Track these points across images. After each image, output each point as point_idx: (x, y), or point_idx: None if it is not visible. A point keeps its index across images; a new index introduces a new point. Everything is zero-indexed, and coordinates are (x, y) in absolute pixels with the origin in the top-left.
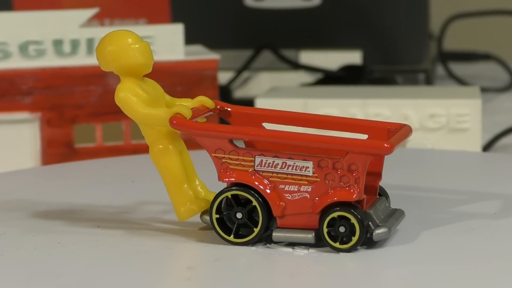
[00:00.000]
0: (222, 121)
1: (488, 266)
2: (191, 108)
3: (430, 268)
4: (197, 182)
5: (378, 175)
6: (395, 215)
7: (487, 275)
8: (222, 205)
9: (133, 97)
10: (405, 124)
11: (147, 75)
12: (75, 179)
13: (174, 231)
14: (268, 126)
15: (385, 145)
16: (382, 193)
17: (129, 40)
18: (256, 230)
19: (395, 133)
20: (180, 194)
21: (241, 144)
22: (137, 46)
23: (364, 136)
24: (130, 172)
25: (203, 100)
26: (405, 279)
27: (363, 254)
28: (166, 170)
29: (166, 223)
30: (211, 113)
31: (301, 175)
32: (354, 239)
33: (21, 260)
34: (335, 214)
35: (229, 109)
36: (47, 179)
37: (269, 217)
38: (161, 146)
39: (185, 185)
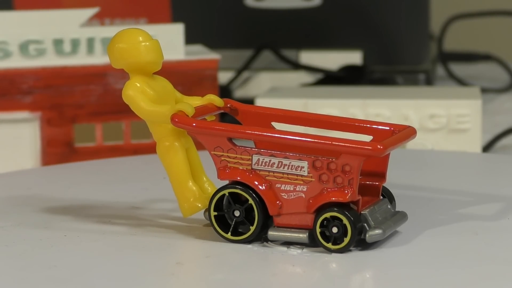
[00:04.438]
0: (232, 119)
1: (480, 269)
2: (199, 106)
3: (419, 272)
4: (204, 179)
5: (382, 176)
6: (395, 217)
7: (476, 279)
8: (224, 203)
9: (139, 94)
10: (408, 126)
11: (158, 73)
12: (103, 176)
13: (178, 227)
14: (277, 125)
15: (378, 146)
16: (387, 195)
17: (139, 38)
18: (252, 228)
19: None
20: (184, 190)
21: (250, 144)
22: (146, 44)
23: (369, 138)
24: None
25: (211, 99)
26: (384, 282)
27: (355, 255)
28: (171, 166)
29: (173, 219)
30: (221, 111)
31: (297, 175)
32: (346, 240)
33: (23, 251)
34: (328, 215)
35: (239, 108)
36: (69, 176)
37: (266, 215)
38: (167, 143)
39: (190, 182)
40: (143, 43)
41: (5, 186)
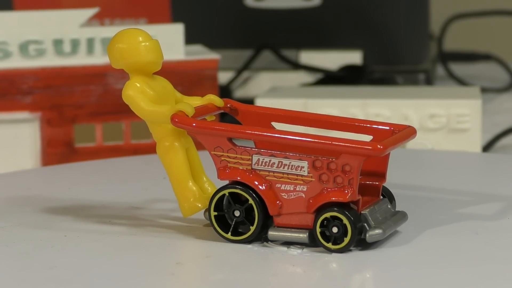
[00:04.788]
0: (232, 119)
1: (480, 269)
2: (199, 106)
3: (419, 272)
4: (204, 179)
5: (382, 176)
6: (395, 217)
7: (476, 279)
8: (224, 203)
9: (139, 94)
10: (409, 126)
11: (158, 73)
12: (103, 176)
13: (178, 227)
14: (277, 125)
15: (378, 146)
16: (387, 195)
17: (139, 38)
18: (252, 228)
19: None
20: (184, 190)
21: (250, 144)
22: (146, 44)
23: (369, 138)
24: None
25: (211, 99)
26: (384, 282)
27: (355, 255)
28: (171, 166)
29: (173, 219)
30: (221, 111)
31: (297, 175)
32: (346, 239)
33: (23, 251)
34: (327, 214)
35: (239, 108)
36: (70, 176)
37: (267, 215)
38: (167, 143)
39: (190, 182)
40: (143, 43)
41: (5, 186)
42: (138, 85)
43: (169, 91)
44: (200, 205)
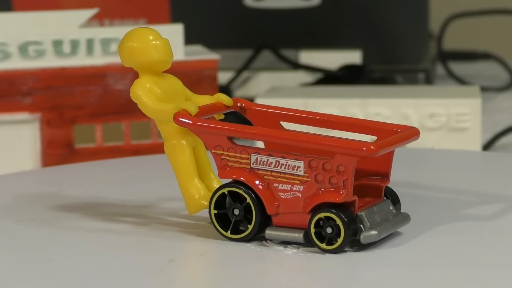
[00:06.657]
0: (233, 119)
1: (479, 270)
2: (208, 105)
3: (411, 274)
4: (212, 177)
5: (385, 177)
6: (396, 219)
7: (476, 280)
8: (227, 201)
9: (146, 92)
10: (411, 127)
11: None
12: (117, 175)
13: (182, 224)
14: (286, 125)
15: (371, 147)
16: (392, 197)
17: (149, 37)
18: (250, 227)
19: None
20: (190, 188)
21: (251, 143)
22: (156, 43)
23: (373, 138)
24: None
25: (220, 98)
26: (369, 284)
27: (348, 256)
28: (177, 164)
29: (179, 217)
30: (230, 110)
31: (293, 175)
32: (339, 240)
33: (28, 245)
34: (321, 215)
35: (249, 107)
36: (85, 175)
37: (265, 215)
38: (174, 141)
39: (195, 180)
40: (152, 42)
41: (11, 186)
42: (147, 84)
43: (179, 90)
44: (205, 202)
